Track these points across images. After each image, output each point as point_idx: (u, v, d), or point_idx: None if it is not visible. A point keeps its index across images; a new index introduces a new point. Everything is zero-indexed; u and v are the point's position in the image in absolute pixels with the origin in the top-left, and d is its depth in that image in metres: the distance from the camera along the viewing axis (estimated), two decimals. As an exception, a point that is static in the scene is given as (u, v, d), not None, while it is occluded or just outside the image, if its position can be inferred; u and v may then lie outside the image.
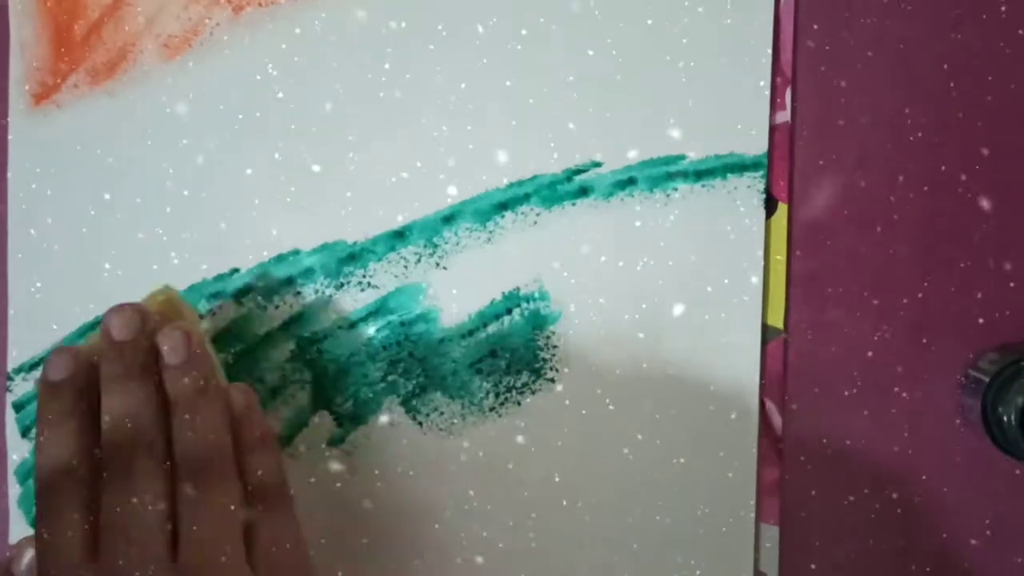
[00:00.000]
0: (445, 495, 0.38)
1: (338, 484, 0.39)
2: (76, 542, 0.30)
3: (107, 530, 0.30)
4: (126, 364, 0.31)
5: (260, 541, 0.31)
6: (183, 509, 0.30)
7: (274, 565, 0.31)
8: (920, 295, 0.36)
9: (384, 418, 0.38)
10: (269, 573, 0.31)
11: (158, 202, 0.39)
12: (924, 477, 0.36)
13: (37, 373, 0.40)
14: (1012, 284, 0.35)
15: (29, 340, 0.40)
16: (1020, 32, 0.35)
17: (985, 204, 0.35)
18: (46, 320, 0.40)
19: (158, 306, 0.34)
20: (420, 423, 0.38)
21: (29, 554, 0.32)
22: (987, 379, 0.33)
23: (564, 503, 0.37)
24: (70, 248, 0.40)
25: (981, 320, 0.35)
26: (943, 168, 0.35)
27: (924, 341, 0.36)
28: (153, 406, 0.31)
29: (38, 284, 0.40)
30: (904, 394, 0.36)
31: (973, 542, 0.36)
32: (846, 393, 0.36)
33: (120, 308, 0.32)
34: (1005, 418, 0.33)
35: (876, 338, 0.36)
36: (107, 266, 0.40)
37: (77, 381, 0.32)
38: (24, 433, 0.41)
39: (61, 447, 0.31)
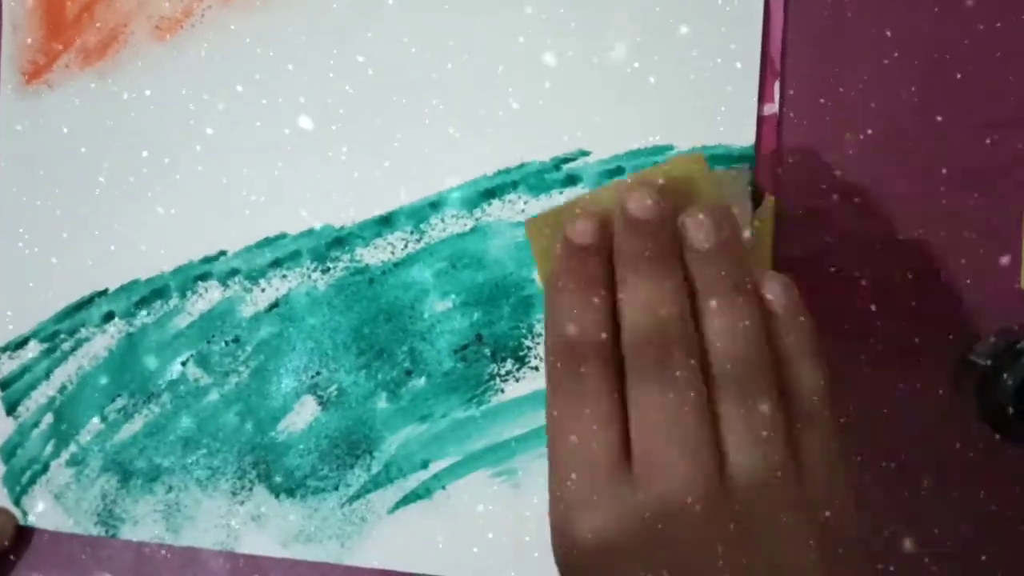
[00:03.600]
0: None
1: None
2: (611, 438, 0.26)
3: (644, 430, 0.25)
4: (652, 246, 0.26)
5: (802, 461, 0.26)
6: (721, 423, 0.26)
7: (819, 487, 0.26)
8: (912, 285, 0.35)
9: (371, 405, 0.38)
10: (813, 496, 0.26)
11: (147, 183, 0.39)
12: (920, 463, 0.35)
13: (23, 352, 0.40)
14: (1007, 268, 0.35)
15: (15, 318, 0.40)
16: (1020, 17, 0.35)
17: (978, 191, 0.35)
18: (33, 299, 0.40)
19: (678, 179, 0.28)
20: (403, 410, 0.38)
21: None
22: (984, 363, 0.33)
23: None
24: (59, 227, 0.40)
25: (977, 305, 0.35)
26: (934, 158, 0.35)
27: (918, 328, 0.35)
28: (683, 295, 0.26)
29: (26, 262, 0.40)
30: (899, 382, 0.36)
31: (970, 527, 0.35)
32: (834, 383, 0.36)
33: (636, 183, 0.27)
34: (1002, 402, 0.32)
35: (867, 329, 0.36)
36: (96, 245, 0.40)
37: (603, 250, 0.27)
38: (9, 411, 0.41)
39: (591, 317, 0.26)
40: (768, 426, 0.26)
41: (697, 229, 0.26)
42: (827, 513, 0.26)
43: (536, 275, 0.36)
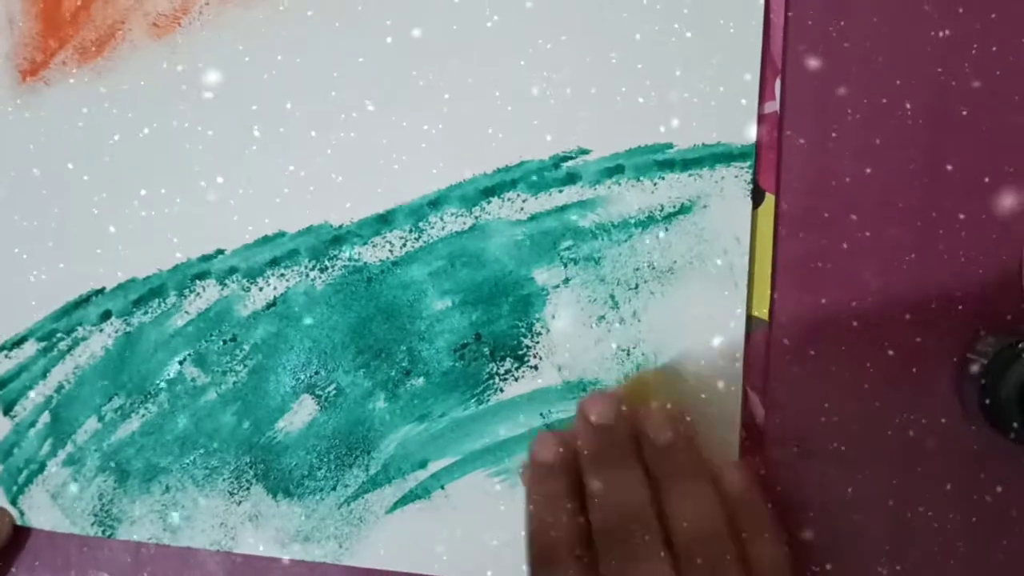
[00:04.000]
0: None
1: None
2: None
3: None
4: (608, 447, 0.31)
5: None
6: None
7: None
8: (912, 283, 0.35)
9: (369, 405, 0.38)
10: None
11: (144, 181, 0.39)
12: (920, 462, 0.35)
13: (20, 351, 0.40)
14: (1007, 266, 0.35)
15: (12, 317, 0.40)
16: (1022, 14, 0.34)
17: (980, 190, 0.35)
18: (30, 297, 0.40)
19: (634, 390, 0.34)
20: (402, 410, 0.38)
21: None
22: (985, 362, 0.33)
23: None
24: (56, 224, 0.40)
25: (976, 303, 0.35)
26: (937, 155, 0.35)
27: (918, 328, 0.35)
28: (643, 489, 0.30)
29: (23, 260, 0.40)
30: (898, 381, 0.35)
31: (973, 524, 0.35)
32: (834, 383, 0.36)
33: (595, 396, 0.32)
34: (1003, 401, 0.32)
35: (866, 327, 0.36)
36: (93, 243, 0.40)
37: (565, 464, 0.31)
38: (6, 411, 0.41)
39: (558, 528, 0.30)
40: None
41: (656, 428, 0.31)
42: None
43: None
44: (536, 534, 0.30)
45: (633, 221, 0.36)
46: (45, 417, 0.40)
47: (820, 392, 0.36)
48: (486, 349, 0.37)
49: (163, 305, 0.39)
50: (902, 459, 0.36)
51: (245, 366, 0.39)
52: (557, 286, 0.37)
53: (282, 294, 0.38)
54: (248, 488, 0.39)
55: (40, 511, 0.41)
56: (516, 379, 0.37)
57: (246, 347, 0.39)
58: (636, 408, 0.32)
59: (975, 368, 0.34)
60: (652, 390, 0.34)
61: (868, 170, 0.36)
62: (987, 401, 0.33)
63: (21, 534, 0.41)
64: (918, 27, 0.35)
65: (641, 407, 0.32)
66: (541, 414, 0.37)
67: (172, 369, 0.39)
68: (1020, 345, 0.32)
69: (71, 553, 0.41)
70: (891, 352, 0.35)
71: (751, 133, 0.36)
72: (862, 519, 0.36)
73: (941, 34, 0.35)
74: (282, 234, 0.38)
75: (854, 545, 0.36)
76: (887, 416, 0.36)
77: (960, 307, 0.35)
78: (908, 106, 0.35)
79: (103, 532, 0.40)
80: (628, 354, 0.37)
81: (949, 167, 0.35)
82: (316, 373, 0.38)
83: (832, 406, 0.36)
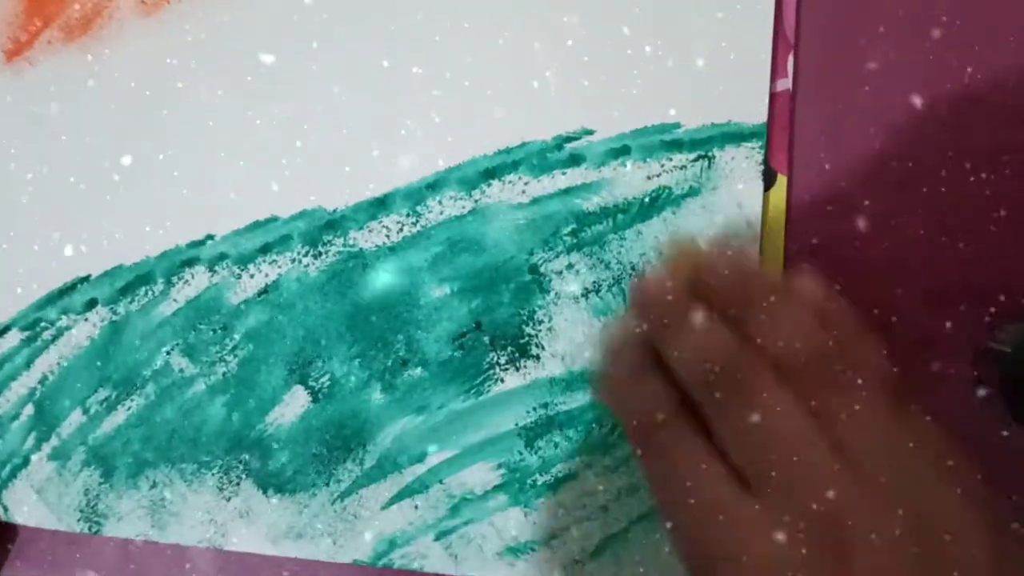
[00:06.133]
0: (423, 475, 0.36)
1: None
2: (721, 475, 0.25)
3: (755, 453, 0.25)
4: (673, 310, 0.27)
5: (914, 427, 0.26)
6: (821, 416, 0.25)
7: (945, 439, 0.26)
8: (932, 271, 0.34)
9: (364, 397, 0.37)
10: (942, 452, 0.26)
11: (132, 164, 0.38)
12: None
13: (3, 341, 0.39)
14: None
15: (13, 294, 0.39)
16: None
17: (1000, 172, 0.34)
18: (13, 285, 0.39)
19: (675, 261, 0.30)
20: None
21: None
22: (1007, 349, 0.32)
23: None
24: (41, 209, 0.38)
25: (997, 289, 0.33)
26: (956, 135, 0.34)
27: (936, 315, 0.34)
28: (727, 330, 0.26)
29: (6, 246, 0.39)
30: (920, 371, 0.34)
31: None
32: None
33: (640, 279, 0.29)
34: None
35: (885, 316, 0.34)
36: (79, 229, 0.38)
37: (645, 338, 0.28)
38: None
39: (652, 388, 0.27)
40: (864, 401, 0.25)
41: (716, 267, 0.27)
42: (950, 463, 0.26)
43: None
44: (630, 405, 0.27)
45: (639, 204, 0.35)
46: (29, 409, 0.39)
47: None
48: (486, 338, 0.36)
49: (151, 293, 0.38)
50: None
51: (235, 356, 0.37)
52: (560, 272, 0.35)
53: (274, 281, 0.37)
54: (238, 483, 0.38)
55: (24, 507, 0.39)
56: (518, 369, 0.36)
57: (236, 336, 0.37)
58: (687, 267, 0.28)
59: (996, 356, 0.32)
60: (692, 255, 0.29)
61: (884, 151, 0.34)
62: (1009, 388, 0.31)
63: (5, 530, 0.40)
64: (935, 3, 0.34)
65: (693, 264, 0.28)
66: (544, 405, 0.36)
67: (159, 360, 0.38)
68: (1045, 332, 0.31)
69: (57, 550, 0.40)
70: (908, 340, 0.34)
71: (762, 112, 0.34)
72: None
73: (959, 12, 0.34)
74: (274, 219, 0.37)
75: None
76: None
77: (980, 293, 0.34)
78: (926, 84, 0.34)
79: (89, 529, 0.39)
80: (634, 343, 0.35)
81: (968, 148, 0.34)
82: (309, 363, 0.37)
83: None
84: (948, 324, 0.34)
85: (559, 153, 0.35)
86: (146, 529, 0.38)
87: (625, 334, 0.28)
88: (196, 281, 0.37)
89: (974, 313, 0.34)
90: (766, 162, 0.34)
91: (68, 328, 0.38)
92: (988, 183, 0.34)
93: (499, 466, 0.36)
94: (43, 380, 0.39)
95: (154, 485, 0.38)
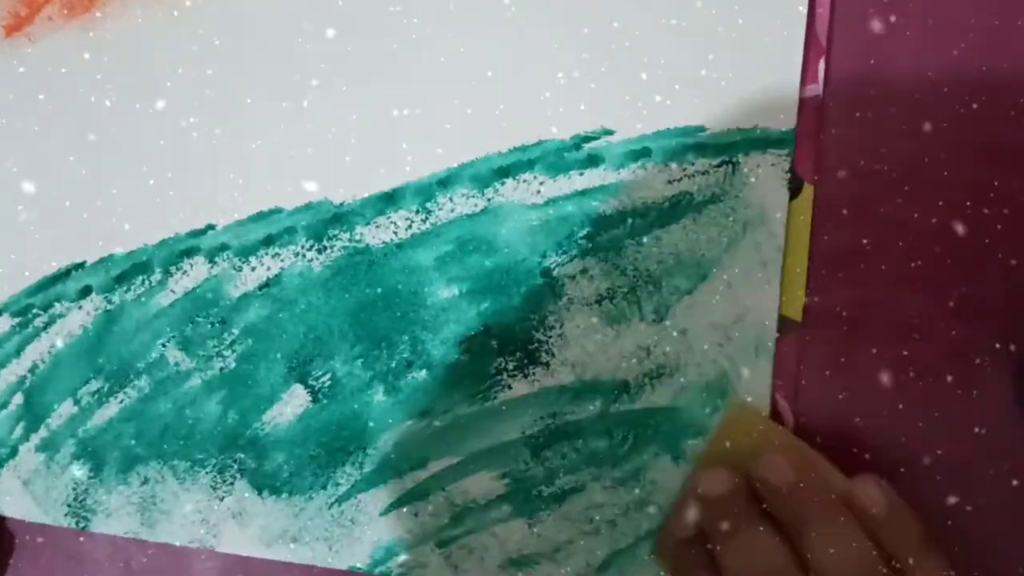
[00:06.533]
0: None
1: (309, 464, 0.36)
2: None
3: None
4: (730, 514, 0.29)
5: None
6: None
7: None
8: (965, 279, 0.33)
9: (366, 398, 0.35)
10: None
11: (132, 147, 0.36)
12: (979, 463, 0.32)
13: (0, 320, 0.38)
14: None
15: (4, 278, 0.37)
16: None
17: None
18: (5, 269, 0.37)
19: (736, 429, 0.33)
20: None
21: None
22: None
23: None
24: (36, 192, 0.37)
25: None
26: (991, 144, 0.32)
27: (967, 326, 0.32)
28: (779, 546, 0.28)
29: (2, 224, 0.37)
30: (953, 384, 0.33)
31: None
32: (873, 392, 0.33)
33: (707, 472, 0.30)
34: None
35: (915, 327, 0.33)
36: (75, 213, 0.37)
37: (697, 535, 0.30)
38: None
39: None
40: None
41: (776, 476, 0.28)
42: None
43: None
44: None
45: (658, 209, 0.34)
46: (18, 398, 0.38)
47: (857, 401, 0.33)
48: (494, 342, 0.35)
49: (147, 282, 0.36)
50: (957, 467, 0.33)
51: (233, 351, 0.36)
52: (574, 277, 0.34)
53: (276, 275, 0.36)
54: (232, 483, 0.36)
55: (11, 499, 0.38)
56: (526, 376, 0.34)
57: (235, 331, 0.36)
58: (746, 463, 0.30)
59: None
60: (748, 425, 0.32)
61: (916, 161, 0.33)
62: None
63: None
64: (971, 9, 0.32)
65: (749, 461, 0.30)
66: (552, 415, 0.34)
67: (155, 352, 0.36)
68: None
69: (43, 545, 0.38)
70: (942, 351, 0.33)
71: (791, 118, 0.33)
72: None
73: (995, 19, 0.32)
74: (278, 210, 0.36)
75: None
76: (934, 423, 0.33)
77: (1015, 305, 0.32)
78: (960, 92, 0.32)
79: (77, 524, 0.38)
80: (648, 354, 0.34)
81: (1003, 156, 0.32)
82: (310, 361, 0.36)
83: (869, 416, 0.33)
84: (980, 335, 0.33)
85: (577, 153, 0.34)
86: (135, 527, 0.37)
87: (679, 525, 0.30)
88: (195, 272, 0.36)
89: (1007, 325, 0.32)
90: (792, 170, 0.33)
91: (61, 316, 0.37)
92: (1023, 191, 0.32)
93: (504, 475, 0.35)
94: (33, 369, 0.37)
95: (145, 481, 0.37)
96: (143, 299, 0.36)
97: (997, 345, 0.33)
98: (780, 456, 0.29)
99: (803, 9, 0.32)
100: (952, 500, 0.33)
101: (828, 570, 0.26)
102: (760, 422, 0.32)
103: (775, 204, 0.33)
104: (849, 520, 0.27)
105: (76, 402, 0.37)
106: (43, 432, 0.38)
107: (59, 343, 0.37)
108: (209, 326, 0.36)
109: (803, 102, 0.33)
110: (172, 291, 0.36)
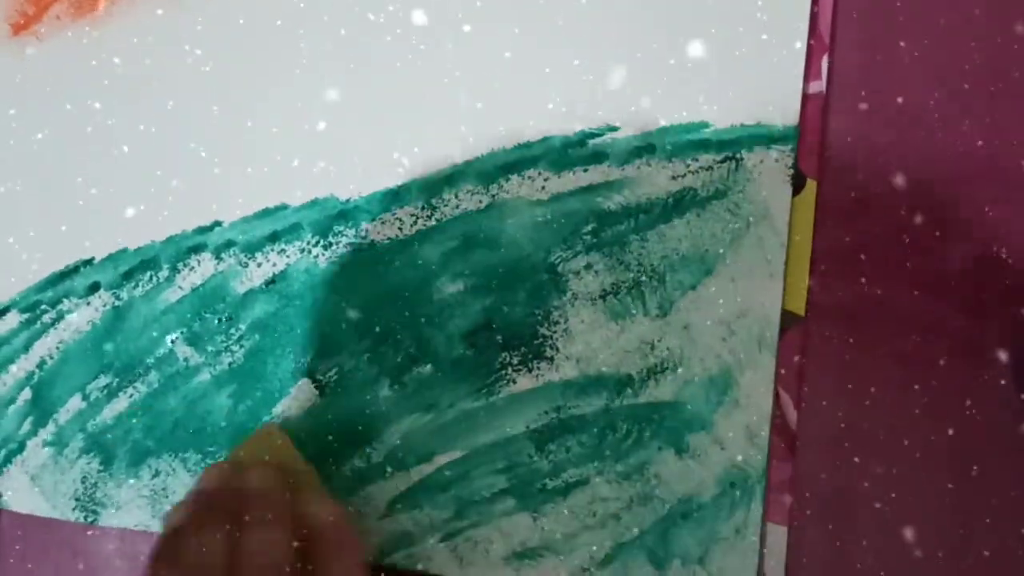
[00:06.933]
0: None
1: (316, 458, 0.36)
2: None
3: None
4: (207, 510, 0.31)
5: None
6: None
7: None
8: (966, 274, 0.33)
9: (372, 392, 0.36)
10: None
11: (140, 145, 0.37)
12: (977, 465, 0.33)
13: (1, 323, 0.38)
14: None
15: (13, 275, 0.38)
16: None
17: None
18: (14, 266, 0.38)
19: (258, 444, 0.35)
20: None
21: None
22: None
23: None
24: (44, 189, 0.37)
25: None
26: (995, 140, 0.33)
27: (972, 320, 0.33)
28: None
29: (8, 225, 0.38)
30: (955, 378, 0.33)
31: None
32: (876, 384, 0.33)
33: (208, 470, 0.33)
34: None
35: (918, 322, 0.33)
36: (83, 210, 0.37)
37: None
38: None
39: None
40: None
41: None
42: None
43: None
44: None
45: (662, 205, 0.34)
46: (26, 394, 0.38)
47: (860, 394, 0.33)
48: (499, 337, 0.35)
49: (155, 279, 0.37)
50: (959, 463, 0.33)
51: (241, 346, 0.36)
52: (578, 272, 0.34)
53: (282, 271, 0.36)
54: (240, 477, 0.37)
55: (19, 493, 0.38)
56: (530, 370, 0.35)
57: (242, 326, 0.36)
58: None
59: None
60: (270, 445, 0.34)
61: (919, 155, 0.33)
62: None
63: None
64: (971, 9, 0.32)
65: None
66: (556, 409, 0.35)
67: (163, 347, 0.37)
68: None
69: (51, 539, 0.39)
70: (943, 346, 0.33)
71: (794, 114, 0.33)
72: (916, 530, 0.33)
73: (995, 18, 0.32)
74: (284, 207, 0.36)
75: (908, 556, 0.33)
76: (937, 417, 0.33)
77: (1018, 296, 0.32)
78: (965, 87, 0.33)
79: (85, 518, 0.38)
80: (652, 348, 0.34)
81: (1008, 152, 0.32)
82: (317, 356, 0.36)
83: (874, 408, 0.33)
84: (985, 331, 0.33)
85: (581, 149, 0.34)
86: (146, 519, 0.38)
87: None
88: (202, 268, 0.36)
89: (1007, 320, 0.33)
90: (796, 165, 0.33)
91: (69, 312, 0.37)
92: (1024, 195, 0.33)
93: (508, 469, 0.35)
94: (42, 364, 0.38)
95: (156, 474, 0.37)
96: (151, 295, 0.37)
97: (998, 340, 0.33)
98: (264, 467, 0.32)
99: (807, 7, 0.33)
100: (950, 487, 0.33)
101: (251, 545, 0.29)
102: (279, 438, 0.35)
103: (778, 199, 0.33)
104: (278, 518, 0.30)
105: (85, 397, 0.37)
106: (51, 427, 0.38)
107: (68, 338, 0.37)
108: (216, 322, 0.36)
109: (806, 98, 0.33)
110: (179, 287, 0.37)
